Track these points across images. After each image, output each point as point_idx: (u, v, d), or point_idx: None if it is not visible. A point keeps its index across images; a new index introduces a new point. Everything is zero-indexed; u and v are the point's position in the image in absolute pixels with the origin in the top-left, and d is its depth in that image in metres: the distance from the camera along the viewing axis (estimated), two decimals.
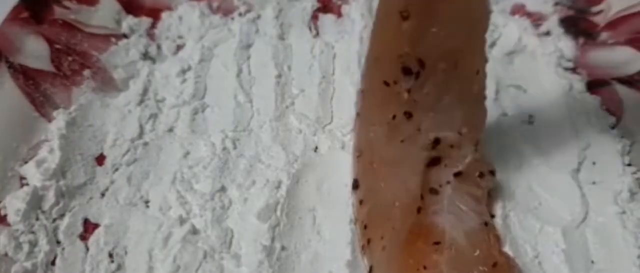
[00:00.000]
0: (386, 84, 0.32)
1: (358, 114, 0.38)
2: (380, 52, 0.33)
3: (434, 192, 0.34)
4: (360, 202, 0.35)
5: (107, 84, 0.44)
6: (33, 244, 0.35)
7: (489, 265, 0.30)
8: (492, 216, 0.36)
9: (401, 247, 0.32)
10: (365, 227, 0.34)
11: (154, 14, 0.50)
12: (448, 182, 0.34)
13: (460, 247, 0.31)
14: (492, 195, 0.37)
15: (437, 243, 0.31)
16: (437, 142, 0.33)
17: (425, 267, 0.31)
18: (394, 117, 0.32)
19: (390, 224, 0.32)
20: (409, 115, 0.32)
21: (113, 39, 0.47)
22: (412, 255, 0.31)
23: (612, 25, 0.46)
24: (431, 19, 0.30)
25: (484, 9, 0.31)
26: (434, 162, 0.34)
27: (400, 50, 0.31)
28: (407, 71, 0.31)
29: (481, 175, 0.34)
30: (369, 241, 0.33)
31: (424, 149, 0.33)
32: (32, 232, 0.35)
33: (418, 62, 0.31)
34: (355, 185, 0.36)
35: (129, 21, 0.48)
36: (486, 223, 0.33)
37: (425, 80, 0.31)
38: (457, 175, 0.34)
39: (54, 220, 0.36)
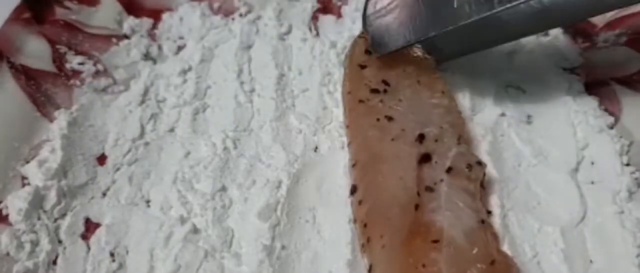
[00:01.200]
0: (361, 101, 0.39)
1: (347, 127, 0.40)
2: (351, 87, 0.41)
3: (429, 189, 0.34)
4: (359, 202, 0.35)
5: (108, 84, 0.45)
6: (35, 244, 0.35)
7: (487, 262, 0.31)
8: (489, 212, 0.36)
9: (401, 246, 0.32)
10: (365, 225, 0.34)
11: (155, 14, 0.50)
12: (442, 180, 0.35)
13: (458, 245, 0.31)
14: (487, 190, 0.37)
15: (435, 241, 0.32)
16: (422, 137, 0.36)
17: (424, 265, 0.31)
18: (377, 119, 0.38)
19: (390, 223, 0.33)
20: (389, 118, 0.38)
21: (114, 40, 0.47)
22: (411, 254, 0.31)
23: (610, 25, 0.46)
24: (384, 69, 0.41)
25: (430, 62, 0.42)
26: (425, 158, 0.36)
27: (366, 81, 0.40)
28: (375, 91, 0.40)
29: (469, 166, 0.35)
30: (368, 240, 0.33)
31: (412, 146, 0.36)
32: (34, 232, 0.35)
33: (383, 82, 0.40)
34: (353, 190, 0.36)
35: (130, 22, 0.49)
36: (483, 221, 0.33)
37: (395, 93, 0.40)
38: (449, 171, 0.35)
39: (56, 219, 0.37)
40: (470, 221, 0.33)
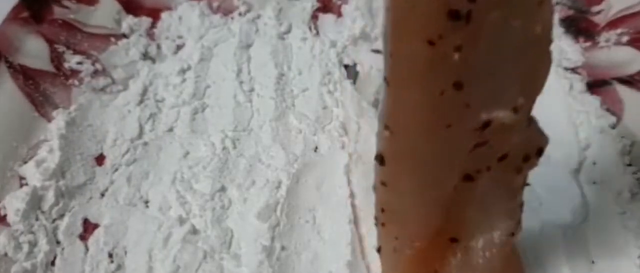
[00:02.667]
0: (431, 43, 0.22)
1: (386, 80, 0.26)
2: None
3: (468, 178, 0.26)
4: (383, 183, 0.27)
5: (106, 84, 0.45)
6: (33, 244, 0.35)
7: None
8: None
9: (415, 254, 0.28)
10: (382, 210, 0.28)
11: (154, 13, 0.50)
12: (488, 168, 0.26)
13: (475, 255, 0.28)
14: None
15: (454, 240, 0.27)
16: (487, 125, 0.25)
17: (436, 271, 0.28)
18: (442, 92, 0.23)
19: (410, 229, 0.28)
20: (458, 85, 0.23)
21: (113, 39, 0.47)
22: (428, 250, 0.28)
23: (612, 25, 0.46)
24: None
25: None
26: (479, 144, 0.26)
27: None
28: (454, 15, 0.22)
29: (526, 158, 0.27)
30: (383, 225, 0.29)
31: (470, 137, 0.26)
32: (32, 232, 0.35)
33: None
34: (382, 161, 0.27)
35: (128, 21, 0.48)
36: (513, 234, 0.28)
37: (479, 27, 0.22)
38: (502, 159, 0.26)
39: (54, 220, 0.36)
40: (499, 227, 0.28)
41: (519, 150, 0.27)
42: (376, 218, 0.29)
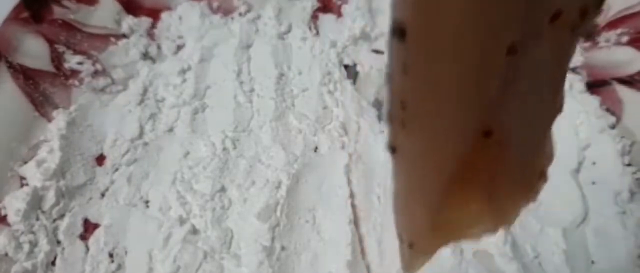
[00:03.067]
0: None
1: None
2: None
3: (512, 51, 0.20)
4: (405, 68, 0.21)
5: (106, 84, 0.45)
6: (33, 244, 0.35)
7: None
8: None
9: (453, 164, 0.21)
10: (403, 106, 0.21)
11: (154, 13, 0.50)
12: (538, 34, 0.20)
13: (510, 149, 0.21)
14: None
15: (488, 133, 0.21)
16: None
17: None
18: None
19: (442, 127, 0.21)
20: None
21: (113, 39, 0.47)
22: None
23: (612, 25, 0.46)
24: None
25: None
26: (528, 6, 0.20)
27: None
28: None
29: (584, 12, 0.20)
30: (403, 124, 0.21)
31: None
32: (32, 232, 0.35)
33: None
34: (402, 35, 0.20)
35: (128, 21, 0.48)
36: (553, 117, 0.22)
37: None
38: (554, 18, 0.20)
39: (54, 220, 0.36)
40: (540, 110, 0.22)
41: (575, 3, 0.20)
42: (391, 115, 0.22)
